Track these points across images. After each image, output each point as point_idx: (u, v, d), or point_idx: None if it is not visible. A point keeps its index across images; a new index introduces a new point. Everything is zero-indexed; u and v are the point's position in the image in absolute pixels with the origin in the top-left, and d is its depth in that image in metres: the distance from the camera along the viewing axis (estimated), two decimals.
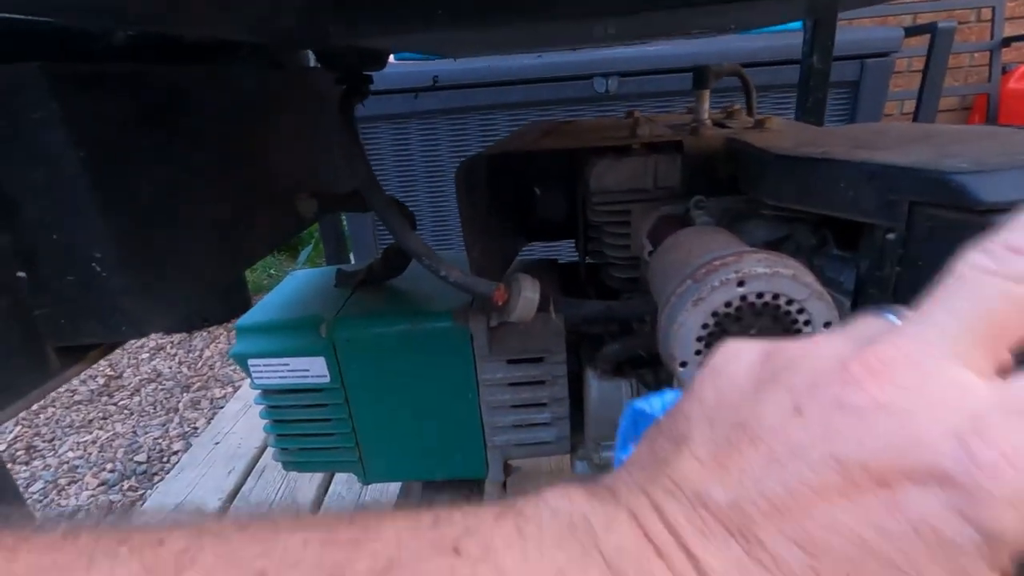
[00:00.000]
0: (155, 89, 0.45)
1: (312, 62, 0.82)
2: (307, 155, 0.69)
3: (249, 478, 1.32)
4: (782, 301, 0.35)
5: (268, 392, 0.70)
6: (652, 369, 0.62)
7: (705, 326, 0.36)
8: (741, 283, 0.35)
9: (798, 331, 0.36)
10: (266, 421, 0.73)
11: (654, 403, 0.29)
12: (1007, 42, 2.42)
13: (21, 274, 0.39)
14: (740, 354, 0.20)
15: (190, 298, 0.48)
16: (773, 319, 0.36)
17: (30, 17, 0.36)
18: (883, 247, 0.36)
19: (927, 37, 1.65)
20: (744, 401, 0.18)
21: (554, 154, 0.59)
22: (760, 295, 0.35)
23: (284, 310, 0.72)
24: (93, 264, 0.39)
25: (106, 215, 0.38)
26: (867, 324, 0.19)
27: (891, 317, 0.19)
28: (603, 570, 0.16)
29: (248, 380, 1.86)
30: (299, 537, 0.16)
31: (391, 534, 0.16)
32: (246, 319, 0.70)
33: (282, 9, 0.36)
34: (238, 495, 1.27)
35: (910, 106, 2.80)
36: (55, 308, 0.40)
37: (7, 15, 0.38)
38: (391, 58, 1.50)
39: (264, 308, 0.73)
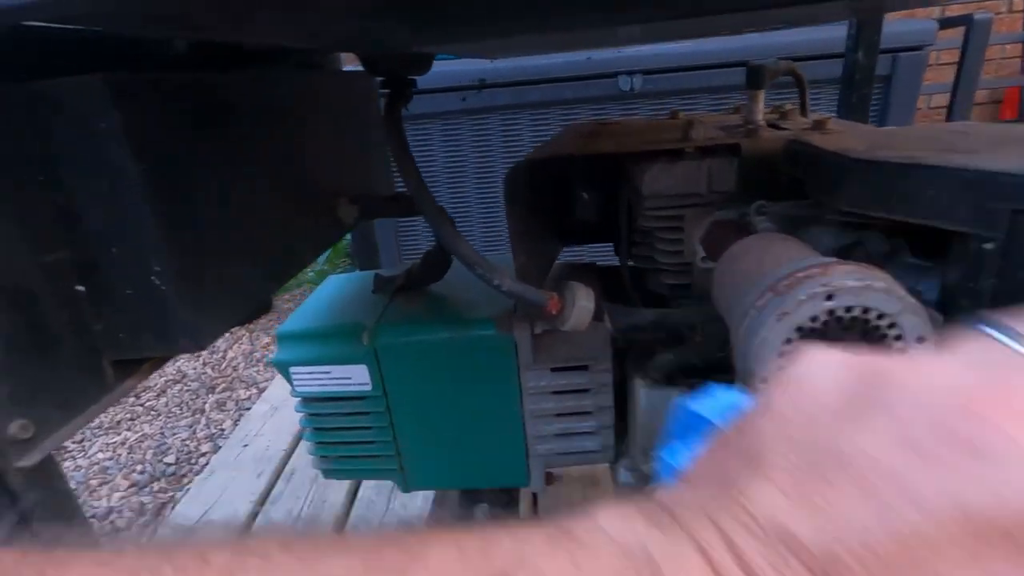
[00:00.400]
0: (208, 97, 0.44)
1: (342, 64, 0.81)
2: (347, 160, 0.68)
3: (279, 481, 1.33)
4: (872, 315, 0.33)
5: (309, 400, 0.70)
6: (703, 378, 0.61)
7: (788, 341, 0.34)
8: (830, 296, 0.33)
9: (888, 347, 0.34)
10: (306, 429, 0.73)
11: (708, 405, 0.26)
12: None
13: (80, 288, 0.38)
14: (828, 365, 0.18)
15: (243, 308, 0.47)
16: (862, 334, 0.34)
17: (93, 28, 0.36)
18: (979, 257, 0.34)
19: (957, 29, 1.61)
20: (835, 422, 0.16)
21: (603, 158, 0.57)
22: (849, 309, 0.33)
23: (324, 316, 0.71)
24: (152, 277, 0.38)
25: (165, 227, 0.38)
26: (982, 348, 0.16)
27: (1005, 339, 0.16)
28: None
29: (273, 381, 1.86)
30: (342, 562, 0.15)
31: (437, 562, 0.15)
32: (286, 326, 0.70)
33: (345, 17, 0.35)
34: (268, 498, 1.28)
35: (938, 100, 2.75)
36: (114, 322, 0.39)
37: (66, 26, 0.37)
38: None
39: (303, 314, 0.73)
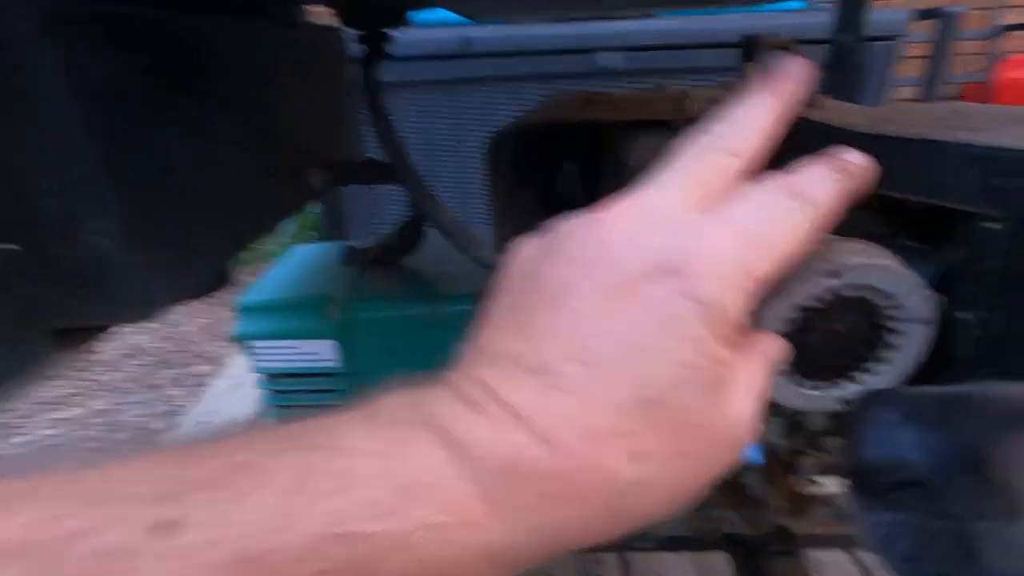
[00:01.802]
0: (170, 39, 0.39)
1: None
2: (317, 121, 0.64)
3: None
4: (877, 295, 0.32)
5: (272, 376, 0.66)
6: None
7: (791, 321, 0.33)
8: (835, 275, 0.32)
9: (891, 328, 0.33)
10: (268, 407, 0.69)
11: None
12: (1006, 30, 2.41)
13: (13, 247, 0.34)
14: (525, 243, 0.24)
15: (199, 275, 0.43)
16: (865, 315, 0.33)
17: None
18: (985, 238, 0.33)
19: (919, 24, 1.63)
20: (528, 270, 0.22)
21: (592, 126, 0.55)
22: (857, 287, 0.32)
23: (290, 288, 0.67)
24: (96, 237, 0.34)
25: (112, 181, 0.34)
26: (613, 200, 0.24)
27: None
28: (437, 434, 0.19)
29: (234, 357, 1.80)
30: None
31: (254, 444, 0.18)
32: (248, 297, 0.66)
33: None
34: None
35: (904, 94, 2.80)
36: (52, 287, 0.35)
37: None
38: None
39: (266, 285, 0.69)
